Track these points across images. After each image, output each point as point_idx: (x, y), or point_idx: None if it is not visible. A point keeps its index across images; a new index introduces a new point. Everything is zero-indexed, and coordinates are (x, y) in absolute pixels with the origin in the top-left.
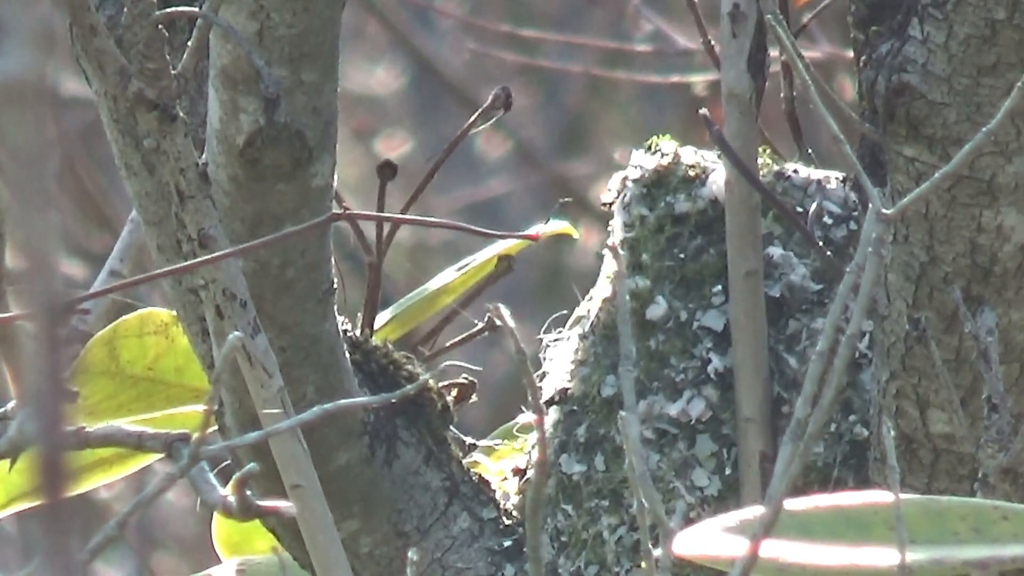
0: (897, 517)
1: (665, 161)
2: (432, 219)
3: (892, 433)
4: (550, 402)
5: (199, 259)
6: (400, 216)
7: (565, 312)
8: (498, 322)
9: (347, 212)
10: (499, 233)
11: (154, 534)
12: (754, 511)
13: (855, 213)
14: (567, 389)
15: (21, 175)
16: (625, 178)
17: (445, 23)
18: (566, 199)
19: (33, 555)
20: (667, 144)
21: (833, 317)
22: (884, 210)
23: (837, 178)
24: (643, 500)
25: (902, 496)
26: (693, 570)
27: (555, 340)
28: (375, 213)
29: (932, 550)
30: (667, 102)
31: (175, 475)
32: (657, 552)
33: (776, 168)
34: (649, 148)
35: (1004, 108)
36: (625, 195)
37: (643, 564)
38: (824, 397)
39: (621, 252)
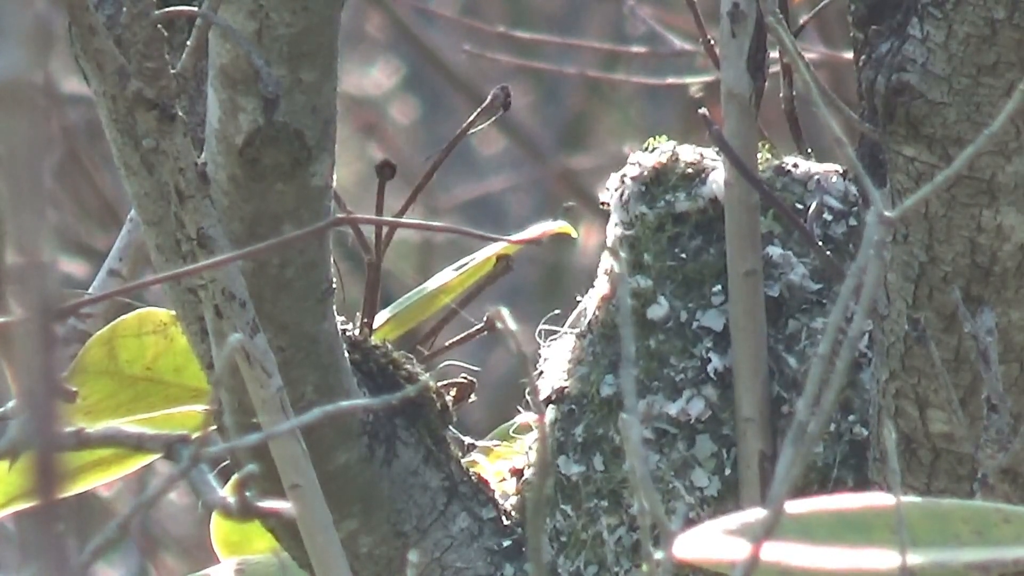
0: (898, 520)
1: (664, 158)
2: (434, 223)
3: (893, 435)
4: (547, 401)
5: (202, 263)
6: (403, 220)
7: (558, 312)
8: (499, 325)
9: (350, 216)
10: (502, 237)
11: (153, 534)
12: (756, 513)
13: (855, 208)
14: (564, 388)
15: (16, 175)
16: (623, 176)
17: (442, 24)
18: (570, 204)
19: (30, 556)
20: (666, 144)
21: (835, 320)
22: (886, 213)
23: (838, 172)
24: (644, 503)
25: (903, 499)
26: (693, 571)
27: (552, 339)
28: (376, 217)
29: (933, 553)
30: (667, 102)
31: (176, 477)
32: (658, 555)
33: (776, 163)
34: (647, 149)
35: (1006, 110)
36: (623, 192)
37: (644, 567)
38: (825, 400)
39: (622, 254)
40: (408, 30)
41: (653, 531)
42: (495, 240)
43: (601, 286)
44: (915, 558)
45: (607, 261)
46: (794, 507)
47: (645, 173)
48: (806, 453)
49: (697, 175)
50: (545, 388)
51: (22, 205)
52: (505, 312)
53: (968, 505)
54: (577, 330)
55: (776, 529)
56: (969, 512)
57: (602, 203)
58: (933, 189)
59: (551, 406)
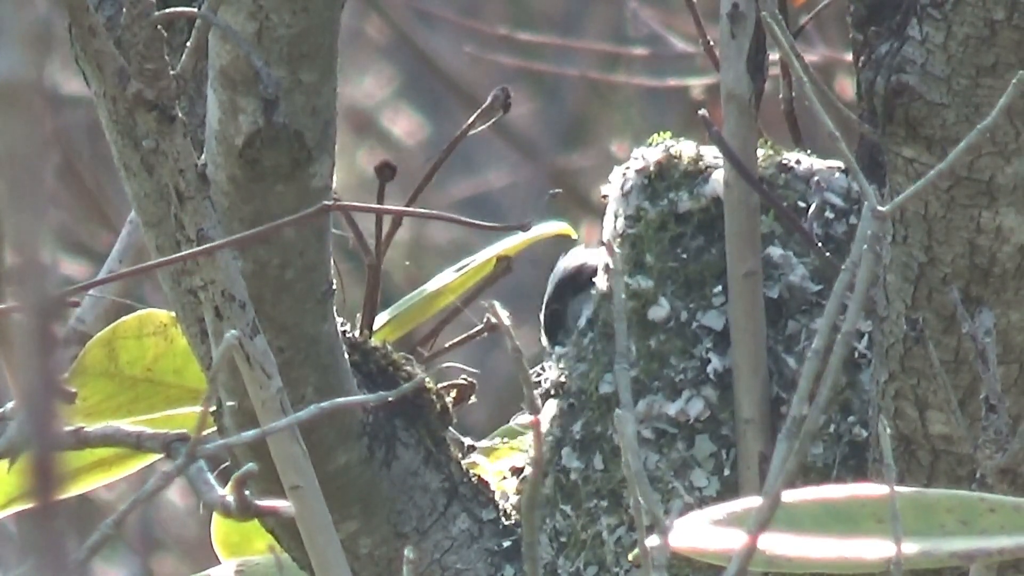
0: (893, 515)
1: (667, 154)
2: (423, 210)
3: (889, 432)
4: (546, 395)
5: (187, 252)
6: (390, 208)
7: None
8: (494, 320)
9: (336, 203)
10: (488, 224)
11: (155, 535)
12: (741, 504)
13: (857, 206)
14: (563, 383)
15: (14, 175)
16: (627, 168)
17: (442, 26)
18: (555, 191)
19: (28, 554)
20: (668, 141)
21: (829, 315)
22: (879, 207)
23: (840, 168)
24: (640, 498)
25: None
26: (693, 570)
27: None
28: (364, 204)
29: (920, 542)
30: (667, 102)
31: (172, 474)
32: (652, 542)
33: (778, 159)
34: (650, 145)
35: (998, 106)
36: (625, 185)
37: (630, 556)
38: (820, 395)
39: (619, 250)
40: (406, 34)
41: (650, 528)
42: (483, 228)
43: (601, 284)
44: (902, 548)
45: (604, 257)
46: (782, 497)
47: (649, 167)
48: (801, 448)
49: (700, 173)
50: (546, 383)
51: (21, 205)
52: (500, 308)
53: (953, 495)
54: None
55: (768, 519)
56: (954, 502)
57: (603, 196)
58: (927, 184)
59: (551, 400)
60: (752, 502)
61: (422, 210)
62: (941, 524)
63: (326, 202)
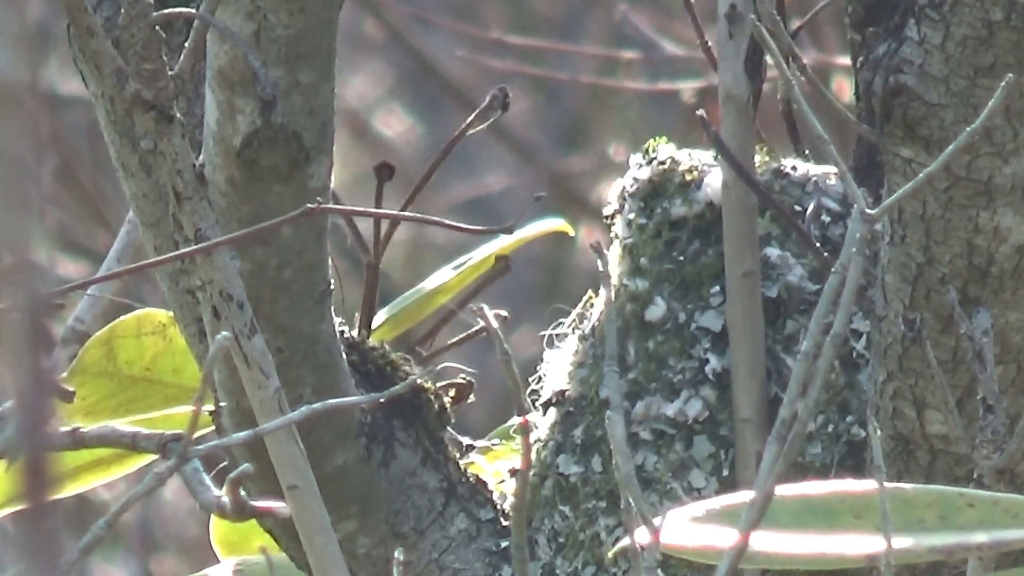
0: (884, 516)
1: (661, 169)
2: (408, 214)
3: (886, 432)
4: (547, 404)
5: (180, 251)
6: (374, 211)
7: (562, 321)
8: (482, 322)
9: (320, 206)
10: (471, 227)
11: (154, 535)
12: (719, 500)
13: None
14: (565, 391)
15: (6, 175)
16: (623, 189)
17: (439, 30)
18: (540, 194)
19: (21, 555)
20: (664, 148)
21: (819, 317)
22: (868, 210)
23: (836, 173)
24: (630, 499)
25: (869, 484)
26: (691, 570)
27: (556, 334)
28: (348, 207)
29: (898, 538)
30: (666, 104)
31: (164, 474)
32: (641, 539)
33: (774, 165)
34: (646, 152)
35: (987, 108)
36: (624, 206)
37: (609, 554)
38: (810, 396)
39: (621, 257)
40: (403, 36)
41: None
42: (465, 230)
43: (601, 288)
44: (880, 543)
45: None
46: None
47: (642, 187)
48: (790, 450)
49: (694, 182)
50: (547, 391)
51: (13, 205)
52: (488, 310)
53: (932, 490)
54: (579, 333)
55: (740, 516)
56: (933, 497)
57: (605, 217)
58: (915, 186)
59: (552, 408)
60: (729, 499)
61: (407, 213)
62: (920, 520)
63: (309, 204)
